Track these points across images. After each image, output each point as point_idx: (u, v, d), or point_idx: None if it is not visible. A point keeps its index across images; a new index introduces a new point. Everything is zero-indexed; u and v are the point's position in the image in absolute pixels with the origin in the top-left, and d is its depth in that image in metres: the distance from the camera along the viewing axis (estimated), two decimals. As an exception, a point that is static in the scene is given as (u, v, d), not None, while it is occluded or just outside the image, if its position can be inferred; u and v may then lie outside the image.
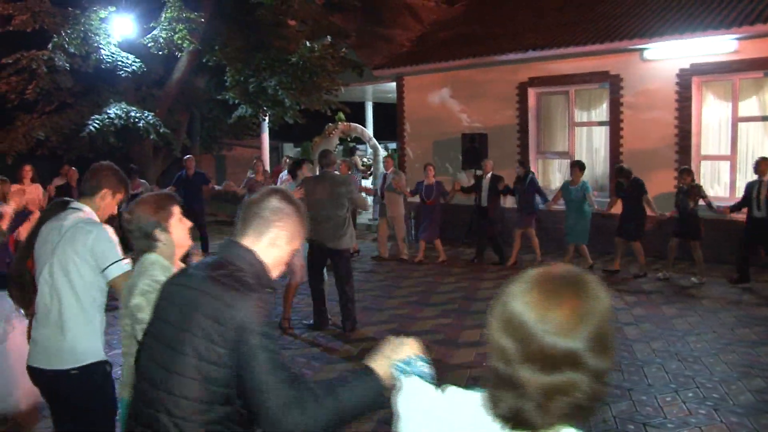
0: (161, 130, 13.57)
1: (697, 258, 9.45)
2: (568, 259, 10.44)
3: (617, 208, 10.35)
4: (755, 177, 9.12)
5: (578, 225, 10.36)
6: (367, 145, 19.60)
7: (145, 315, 2.47)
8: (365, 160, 19.27)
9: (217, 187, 13.79)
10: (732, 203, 9.68)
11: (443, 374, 5.89)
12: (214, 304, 1.88)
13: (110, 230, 3.23)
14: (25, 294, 3.47)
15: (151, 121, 13.35)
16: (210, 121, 18.64)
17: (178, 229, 2.90)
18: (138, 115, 13.23)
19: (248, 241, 2.07)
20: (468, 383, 5.70)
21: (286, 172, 13.09)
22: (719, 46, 10.59)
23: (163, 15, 13.11)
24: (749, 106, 10.95)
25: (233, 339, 1.85)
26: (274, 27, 14.38)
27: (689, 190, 9.49)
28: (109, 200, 3.36)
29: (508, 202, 12.12)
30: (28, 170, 11.03)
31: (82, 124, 12.95)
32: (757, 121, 10.82)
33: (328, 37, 14.37)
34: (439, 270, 11.05)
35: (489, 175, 11.37)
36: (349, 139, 20.50)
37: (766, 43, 10.21)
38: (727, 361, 6.20)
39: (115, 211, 3.46)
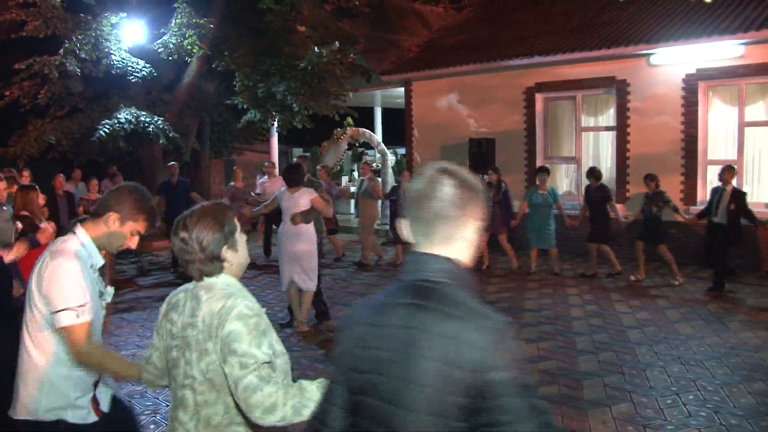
0: (170, 135, 13.72)
1: (668, 260, 9.69)
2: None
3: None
4: (719, 184, 9.39)
5: (544, 230, 10.62)
6: (376, 150, 19.67)
7: (246, 346, 2.11)
8: (373, 165, 19.34)
9: (200, 198, 13.28)
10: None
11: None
12: (440, 342, 1.47)
13: (74, 266, 2.63)
14: None
15: (161, 126, 13.49)
16: (219, 125, 18.78)
17: (243, 245, 2.41)
18: (148, 119, 13.38)
19: (441, 249, 1.62)
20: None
21: (266, 176, 13.29)
22: (725, 51, 10.61)
23: (174, 21, 13.27)
24: (755, 110, 10.96)
25: (473, 384, 1.43)
26: (283, 33, 14.50)
27: (653, 195, 9.71)
28: (116, 228, 2.77)
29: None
30: (26, 176, 11.22)
31: (93, 129, 13.12)
32: (764, 125, 10.82)
33: (337, 42, 14.46)
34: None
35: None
36: (357, 144, 20.59)
37: (772, 48, 10.23)
38: (729, 364, 6.21)
39: (132, 245, 2.88)
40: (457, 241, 1.62)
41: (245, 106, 14.89)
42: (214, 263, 2.29)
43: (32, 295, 2.63)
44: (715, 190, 9.42)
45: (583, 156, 12.76)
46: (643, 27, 11.80)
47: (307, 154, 19.45)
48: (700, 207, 10.41)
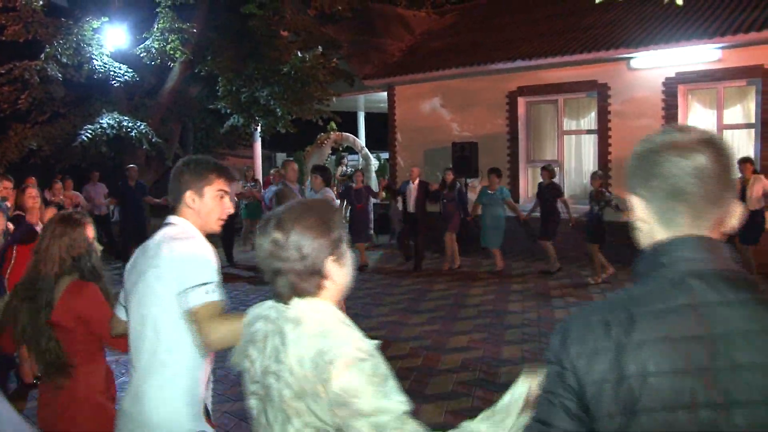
0: (153, 140, 13.68)
1: (595, 260, 10.03)
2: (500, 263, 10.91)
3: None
4: None
5: (493, 229, 11.08)
6: (359, 155, 19.71)
7: (373, 400, 1.59)
8: (344, 168, 19.24)
9: (156, 200, 12.48)
10: None
11: (430, 379, 6.00)
12: None
13: (201, 243, 2.42)
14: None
15: (144, 131, 13.45)
16: (202, 130, 18.75)
17: (349, 261, 1.88)
18: (130, 124, 13.34)
19: (712, 231, 1.32)
20: (454, 387, 5.80)
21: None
22: (703, 55, 10.77)
23: (156, 25, 13.26)
24: (734, 113, 11.12)
25: None
26: (267, 38, 14.51)
27: (595, 194, 10.01)
28: (199, 202, 2.49)
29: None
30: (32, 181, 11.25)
31: (75, 134, 13.06)
32: (742, 128, 10.98)
33: (320, 47, 14.49)
34: (427, 278, 11.14)
35: (417, 181, 11.60)
36: (341, 149, 20.62)
37: (749, 52, 10.40)
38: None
39: (231, 209, 2.59)
40: (723, 216, 1.33)
41: (228, 111, 14.88)
42: (313, 278, 1.75)
43: (152, 291, 2.36)
44: None
45: (566, 159, 12.87)
46: (624, 31, 11.94)
47: (291, 158, 19.44)
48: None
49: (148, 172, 15.18)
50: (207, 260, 2.33)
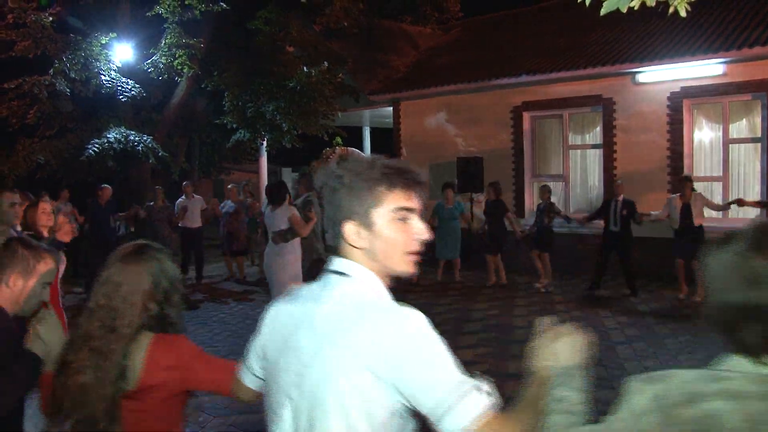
0: (160, 154, 13.75)
1: (545, 266, 10.78)
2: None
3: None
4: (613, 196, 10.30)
5: (450, 242, 11.57)
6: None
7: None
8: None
9: (122, 214, 12.23)
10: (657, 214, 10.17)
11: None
12: None
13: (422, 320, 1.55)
14: None
15: (150, 145, 13.52)
16: (208, 145, 18.84)
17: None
18: (137, 138, 13.41)
19: None
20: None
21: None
22: (708, 69, 10.79)
23: (163, 41, 13.36)
24: (739, 127, 11.13)
25: None
26: (273, 53, 14.61)
27: (546, 207, 10.68)
28: (387, 231, 1.64)
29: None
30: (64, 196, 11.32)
31: (82, 148, 13.13)
32: (747, 142, 10.98)
33: (326, 62, 14.57)
34: (432, 292, 11.13)
35: None
36: (346, 164, 20.64)
37: (754, 66, 10.42)
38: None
39: (426, 233, 1.69)
40: None
41: (234, 126, 14.96)
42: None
43: (354, 389, 1.49)
44: (608, 202, 10.29)
45: (571, 174, 12.88)
46: (629, 46, 11.98)
47: (295, 174, 19.50)
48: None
49: (153, 187, 15.24)
50: (441, 345, 1.52)
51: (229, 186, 13.20)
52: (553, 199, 12.97)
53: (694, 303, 9.42)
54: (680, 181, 9.84)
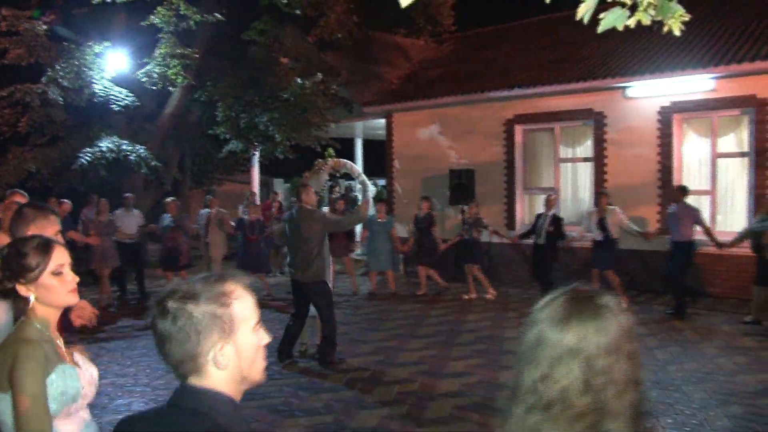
0: (152, 164, 13.74)
1: (481, 279, 11.31)
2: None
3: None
4: (543, 210, 10.87)
5: (382, 254, 12.02)
6: (357, 181, 19.79)
7: None
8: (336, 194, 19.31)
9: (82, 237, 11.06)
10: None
11: (428, 404, 6.00)
12: None
13: None
14: None
15: (143, 155, 13.53)
16: (201, 155, 18.84)
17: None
18: (129, 148, 13.41)
19: None
20: (451, 412, 5.80)
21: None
22: (698, 84, 10.91)
23: (158, 50, 13.38)
24: (727, 142, 11.23)
25: None
26: (267, 64, 14.65)
27: (474, 221, 11.27)
28: None
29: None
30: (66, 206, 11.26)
31: (74, 157, 13.11)
32: (735, 157, 11.09)
33: (320, 74, 14.63)
34: (424, 304, 11.16)
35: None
36: (338, 175, 20.69)
37: (742, 82, 10.55)
38: (706, 389, 6.31)
39: None
40: None
41: (227, 136, 14.97)
42: None
43: None
44: (539, 216, 10.81)
45: (562, 186, 12.95)
46: (620, 61, 12.10)
47: (287, 185, 19.52)
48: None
49: (145, 196, 15.23)
50: None
51: (168, 200, 12.02)
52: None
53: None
54: (597, 194, 10.66)
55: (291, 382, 6.92)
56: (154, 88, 13.66)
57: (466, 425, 5.51)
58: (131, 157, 13.36)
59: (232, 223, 12.29)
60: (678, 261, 9.61)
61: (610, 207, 10.20)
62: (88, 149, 13.15)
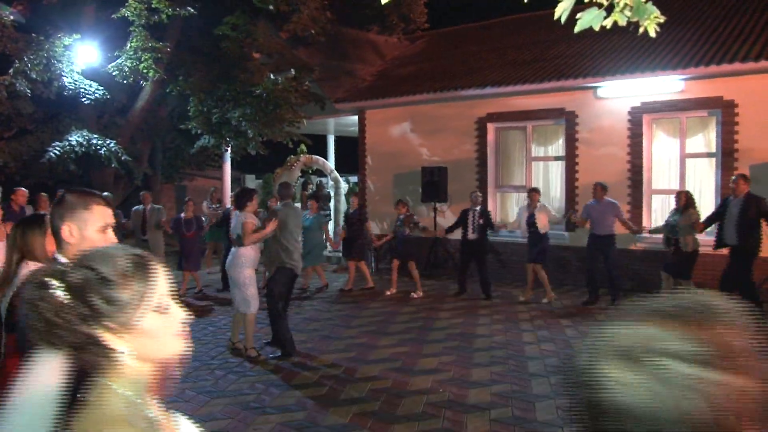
0: (123, 158, 13.57)
1: (415, 276, 11.44)
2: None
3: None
4: (469, 206, 11.27)
5: (315, 250, 12.27)
6: (329, 178, 19.76)
7: None
8: (309, 191, 19.29)
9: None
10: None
11: (400, 401, 6.03)
12: None
13: None
14: None
15: (113, 149, 13.35)
16: (172, 150, 18.66)
17: None
18: (100, 142, 13.23)
19: None
20: (424, 409, 5.83)
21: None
22: (667, 85, 11.09)
23: (129, 44, 13.20)
24: (695, 143, 11.42)
25: None
26: (239, 59, 14.53)
27: (405, 219, 11.53)
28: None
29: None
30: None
31: (42, 151, 12.91)
32: (703, 157, 11.28)
33: (292, 70, 14.55)
34: (396, 301, 11.18)
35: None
36: (310, 172, 20.65)
37: (710, 84, 10.74)
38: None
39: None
40: None
41: (199, 132, 14.85)
42: None
43: None
44: (466, 212, 11.20)
45: (533, 185, 13.04)
46: (592, 61, 12.24)
47: (259, 180, 19.42)
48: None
49: (116, 191, 15.05)
50: None
51: (104, 194, 12.41)
52: (515, 210, 13.25)
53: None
54: (530, 191, 10.97)
55: (263, 379, 6.90)
56: (125, 81, 13.47)
57: (438, 422, 5.54)
58: (101, 152, 13.17)
59: (165, 220, 12.40)
60: (601, 253, 10.36)
61: (540, 203, 10.71)
62: (57, 143, 12.94)
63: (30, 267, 3.33)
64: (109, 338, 1.30)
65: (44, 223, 3.44)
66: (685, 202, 9.50)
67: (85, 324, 1.28)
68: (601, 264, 10.37)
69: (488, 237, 11.30)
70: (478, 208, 11.12)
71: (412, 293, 11.39)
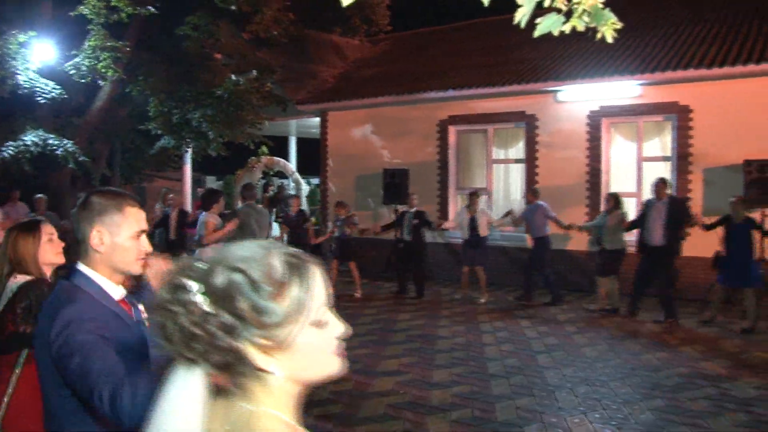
0: (80, 159, 13.32)
1: (355, 276, 11.50)
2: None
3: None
4: (406, 208, 11.57)
5: None
6: (290, 179, 19.69)
7: None
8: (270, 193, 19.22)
9: None
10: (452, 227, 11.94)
11: (362, 402, 6.02)
12: None
13: None
14: None
15: (70, 150, 13.09)
16: (131, 151, 18.38)
17: None
18: (56, 142, 12.96)
19: None
20: (385, 411, 5.84)
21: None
22: (625, 90, 11.31)
23: (87, 42, 12.97)
24: (652, 146, 11.67)
25: None
26: (200, 60, 14.39)
27: (345, 219, 11.62)
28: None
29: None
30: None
31: (-5, 151, 12.61)
32: (659, 161, 11.51)
33: (254, 71, 14.46)
34: (357, 304, 11.18)
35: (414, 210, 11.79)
36: (271, 173, 20.56)
37: (666, 89, 11.01)
38: (631, 384, 6.53)
39: None
40: None
41: (159, 132, 14.66)
42: None
43: None
44: (402, 213, 11.52)
45: (494, 187, 13.20)
46: (552, 65, 12.41)
47: (220, 182, 19.24)
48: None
49: (73, 193, 14.76)
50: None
51: (38, 196, 11.88)
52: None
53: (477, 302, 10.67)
54: (470, 195, 11.28)
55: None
56: (82, 81, 13.22)
57: (399, 424, 5.56)
58: (58, 152, 12.90)
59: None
60: (538, 254, 10.76)
61: (480, 208, 11.08)
62: (11, 143, 12.65)
63: (18, 280, 3.08)
64: (258, 356, 1.09)
65: (39, 231, 3.24)
66: (613, 204, 9.99)
67: (230, 337, 1.07)
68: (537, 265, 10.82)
69: (424, 237, 11.58)
70: (413, 209, 11.39)
71: (354, 293, 11.47)
